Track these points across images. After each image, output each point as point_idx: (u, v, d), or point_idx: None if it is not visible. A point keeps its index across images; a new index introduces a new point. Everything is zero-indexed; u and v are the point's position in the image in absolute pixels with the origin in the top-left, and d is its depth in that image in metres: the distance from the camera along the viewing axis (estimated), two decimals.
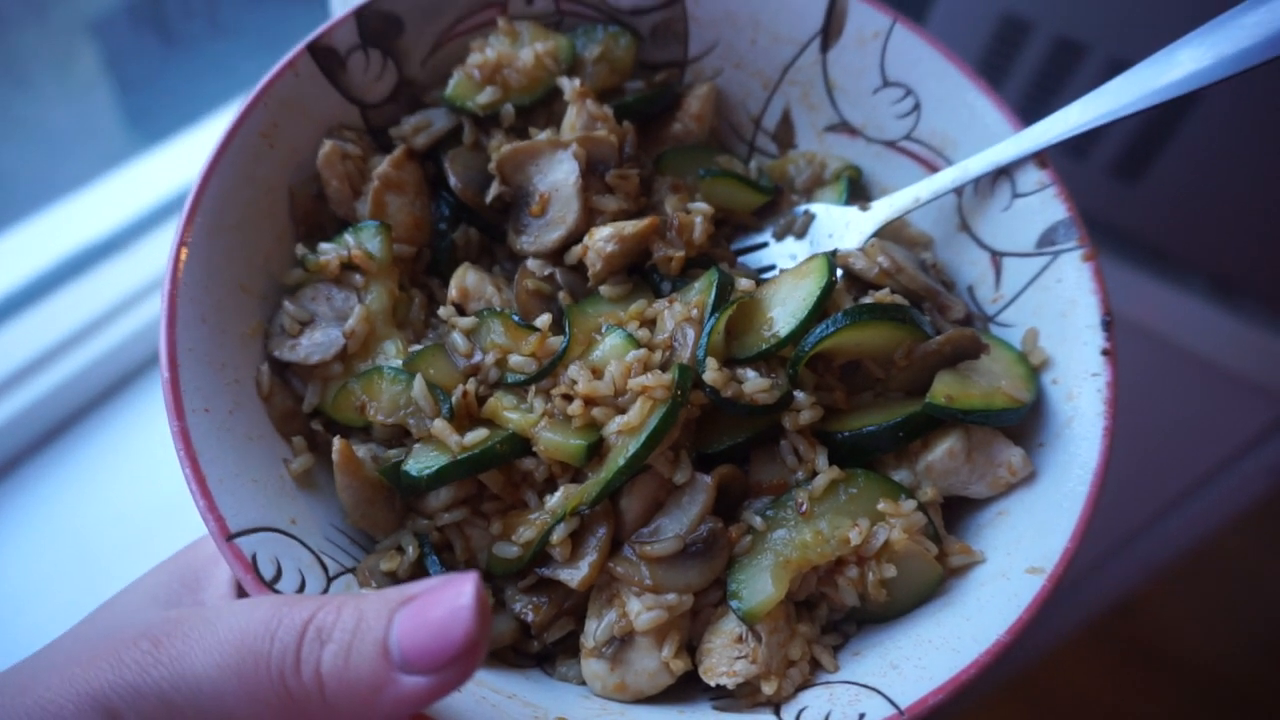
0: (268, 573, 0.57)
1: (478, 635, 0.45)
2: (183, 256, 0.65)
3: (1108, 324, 0.68)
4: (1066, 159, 1.18)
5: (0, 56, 1.54)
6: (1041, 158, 0.73)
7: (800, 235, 0.81)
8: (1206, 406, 1.32)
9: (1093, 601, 1.69)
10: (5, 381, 1.28)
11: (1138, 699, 2.26)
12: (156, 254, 1.43)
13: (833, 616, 0.67)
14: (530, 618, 0.65)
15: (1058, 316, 0.71)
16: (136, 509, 1.19)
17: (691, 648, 0.65)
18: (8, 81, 1.56)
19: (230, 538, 0.57)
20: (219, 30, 1.64)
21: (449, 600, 0.46)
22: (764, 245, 0.82)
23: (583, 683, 0.65)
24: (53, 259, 1.40)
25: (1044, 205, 0.73)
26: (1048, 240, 0.72)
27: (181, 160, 1.47)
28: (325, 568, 0.62)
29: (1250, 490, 1.36)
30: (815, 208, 0.81)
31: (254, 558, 0.57)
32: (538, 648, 0.67)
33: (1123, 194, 1.19)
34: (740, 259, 0.82)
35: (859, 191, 0.84)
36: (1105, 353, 0.67)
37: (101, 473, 1.27)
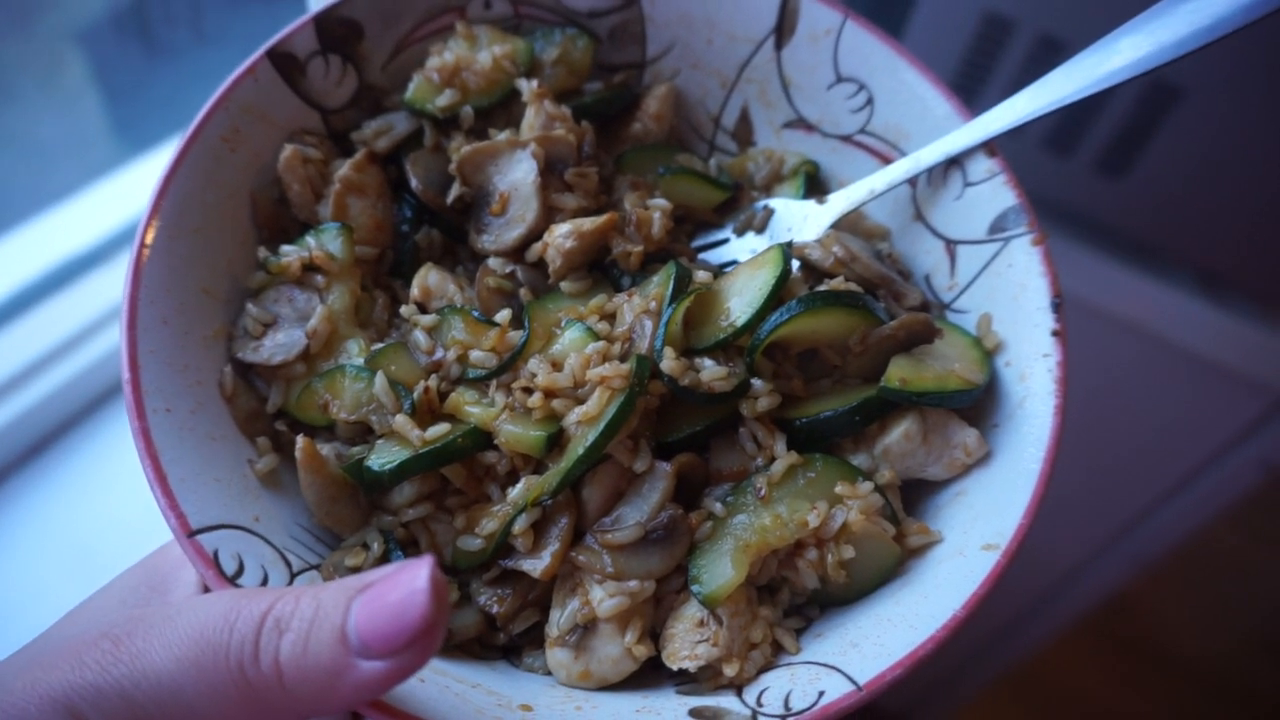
0: (229, 568, 0.58)
1: (434, 617, 0.45)
2: (143, 259, 0.65)
3: (1057, 305, 0.69)
4: (1051, 156, 1.19)
5: None
6: (990, 146, 0.75)
7: (760, 230, 0.82)
8: (1196, 401, 1.33)
9: (1086, 597, 1.70)
10: (3, 386, 1.28)
11: (1132, 695, 2.27)
12: None
13: (795, 600, 0.67)
14: (495, 610, 0.65)
15: (1010, 300, 0.72)
16: (132, 514, 1.19)
17: (655, 634, 0.66)
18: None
19: (192, 534, 0.58)
20: (203, 38, 1.65)
21: (404, 584, 0.46)
22: (725, 241, 0.84)
23: (549, 673, 0.65)
24: (44, 266, 1.40)
25: (994, 193, 0.74)
26: (998, 227, 0.74)
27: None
28: (289, 564, 0.62)
29: (1241, 483, 1.37)
30: (774, 203, 0.82)
31: (215, 554, 0.58)
32: (504, 640, 0.67)
33: (1109, 190, 1.20)
34: (701, 255, 0.83)
35: (817, 185, 0.85)
36: (1055, 334, 0.68)
37: (97, 478, 1.26)
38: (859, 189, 0.79)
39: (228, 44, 1.63)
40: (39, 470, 1.28)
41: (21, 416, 1.26)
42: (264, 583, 0.59)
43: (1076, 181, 1.22)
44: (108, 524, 1.22)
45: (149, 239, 0.66)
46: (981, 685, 2.01)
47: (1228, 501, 1.40)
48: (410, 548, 0.68)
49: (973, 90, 1.19)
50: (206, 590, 0.63)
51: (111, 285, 1.39)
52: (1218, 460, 1.38)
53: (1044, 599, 1.74)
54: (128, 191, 1.49)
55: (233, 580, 0.57)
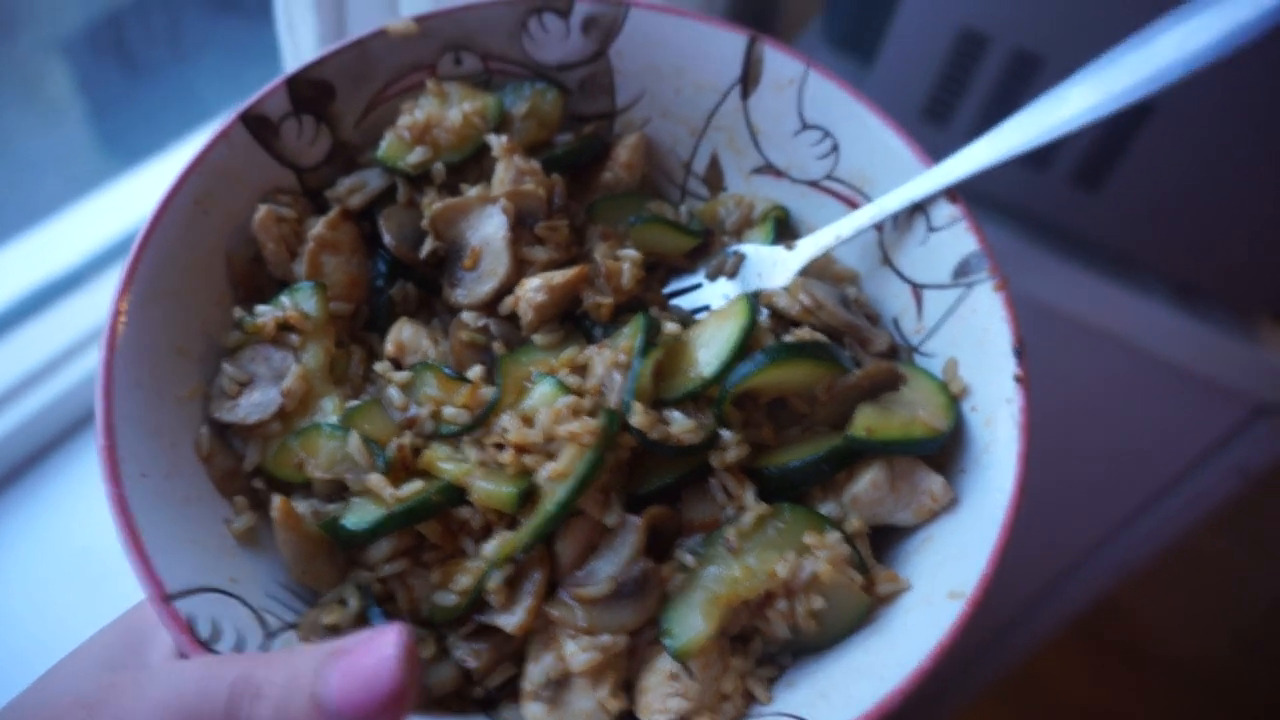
0: (204, 633, 0.58)
1: (404, 682, 0.46)
2: (119, 324, 0.66)
3: (1019, 352, 0.70)
4: (1028, 169, 1.21)
5: None
6: (951, 193, 0.76)
7: (732, 275, 0.84)
8: (1175, 410, 1.35)
9: (1074, 602, 1.71)
10: (3, 394, 1.29)
11: (1120, 698, 2.28)
12: None
13: (768, 649, 0.68)
14: (471, 664, 0.66)
15: (975, 345, 0.73)
16: None
17: (630, 686, 0.66)
18: None
19: (167, 599, 0.58)
20: (181, 54, 1.66)
21: (376, 651, 0.47)
22: (697, 286, 0.85)
23: None
24: (33, 280, 1.42)
25: (955, 238, 0.75)
26: (962, 271, 0.75)
27: (152, 186, 1.49)
28: (265, 624, 0.63)
29: (1221, 490, 1.39)
30: (745, 248, 0.84)
31: (191, 620, 0.58)
32: (480, 694, 0.68)
33: (1085, 202, 1.22)
34: (674, 301, 0.84)
35: (787, 230, 0.86)
36: (1018, 379, 0.69)
37: (97, 487, 1.27)
38: (826, 234, 0.80)
39: (205, 59, 1.65)
40: (38, 480, 1.28)
41: (19, 427, 1.27)
42: (239, 646, 0.59)
43: (1054, 194, 1.23)
44: (108, 533, 1.23)
45: (124, 304, 0.67)
46: (973, 691, 2.01)
47: (1209, 507, 1.42)
48: (387, 603, 0.68)
49: (950, 105, 1.20)
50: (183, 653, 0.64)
51: (102, 299, 1.40)
52: (1198, 467, 1.40)
53: (1033, 604, 1.75)
54: (112, 206, 1.50)
55: (208, 645, 0.58)
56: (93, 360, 1.34)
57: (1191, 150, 1.12)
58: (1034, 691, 2.21)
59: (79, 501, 1.27)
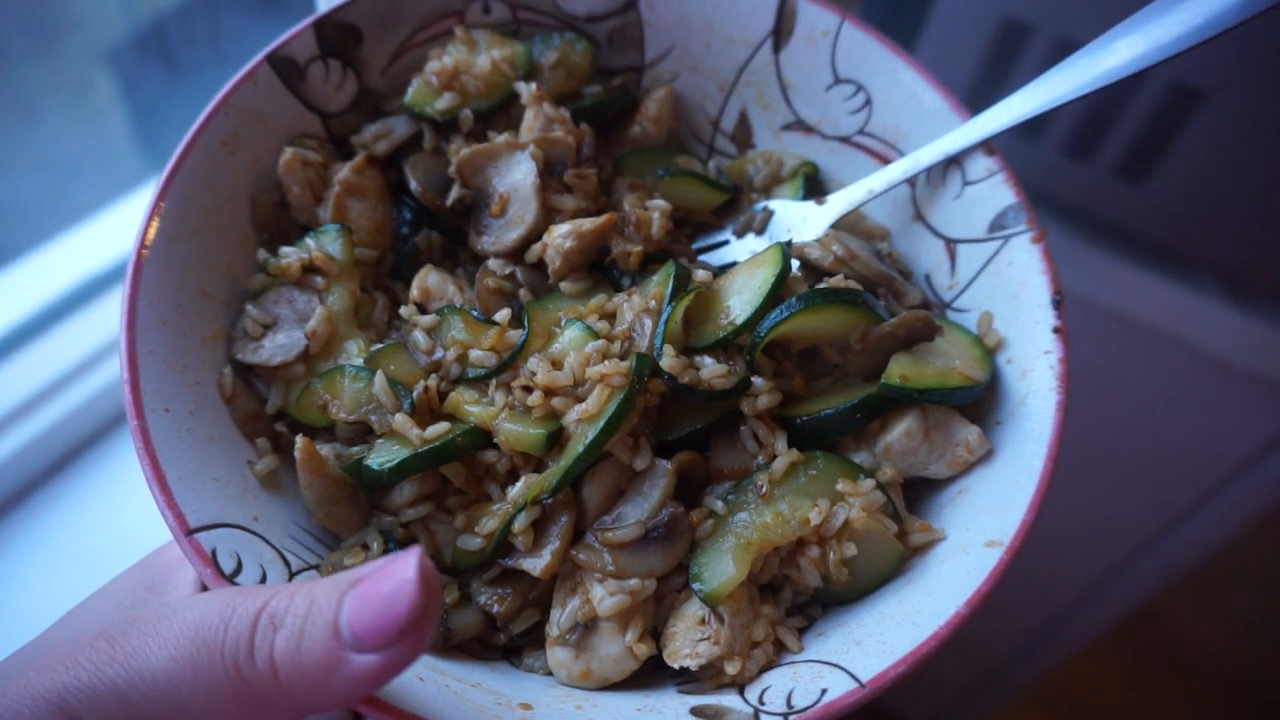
0: (228, 567, 0.57)
1: (424, 607, 0.45)
2: (142, 260, 0.65)
3: (1058, 302, 0.69)
4: (1071, 161, 1.18)
5: (13, 89, 1.56)
6: (989, 145, 0.75)
7: (760, 232, 0.82)
8: (1223, 408, 1.31)
9: (1115, 607, 1.67)
10: (19, 408, 1.28)
11: (1160, 704, 2.23)
12: None
13: (798, 599, 0.67)
14: (496, 609, 0.65)
15: (1010, 298, 0.72)
16: (146, 534, 1.18)
17: (656, 633, 0.65)
18: (21, 113, 1.57)
19: (190, 533, 0.57)
20: (221, 57, 1.66)
21: (394, 576, 0.46)
22: (725, 243, 0.84)
23: (549, 673, 0.65)
24: (62, 286, 1.41)
25: (993, 191, 0.74)
26: (998, 225, 0.74)
27: None
28: (287, 563, 0.62)
29: (1271, 493, 1.35)
30: (774, 204, 0.82)
31: (214, 552, 0.57)
32: (504, 640, 0.67)
33: (1130, 194, 1.19)
34: (702, 257, 0.83)
35: (816, 187, 0.85)
36: (1056, 330, 0.68)
37: (114, 497, 1.26)
38: (858, 189, 0.79)
39: (243, 61, 1.65)
40: (55, 491, 1.28)
41: (44, 434, 1.27)
42: (262, 581, 0.58)
43: (1097, 187, 1.20)
44: (121, 543, 1.22)
45: (148, 240, 0.66)
46: (1009, 696, 1.98)
47: (1259, 510, 1.38)
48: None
49: (990, 97, 1.18)
50: (204, 590, 0.63)
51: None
52: (1248, 468, 1.36)
53: (1072, 608, 1.71)
54: (122, 222, 1.50)
55: (231, 579, 0.57)
56: (100, 379, 1.33)
57: (1242, 138, 1.08)
58: (1072, 696, 2.16)
59: (92, 514, 1.26)
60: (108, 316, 1.38)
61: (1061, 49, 1.10)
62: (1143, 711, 2.22)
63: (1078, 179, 1.20)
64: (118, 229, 1.48)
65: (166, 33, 1.63)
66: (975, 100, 1.18)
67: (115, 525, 1.24)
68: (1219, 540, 1.44)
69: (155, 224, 0.67)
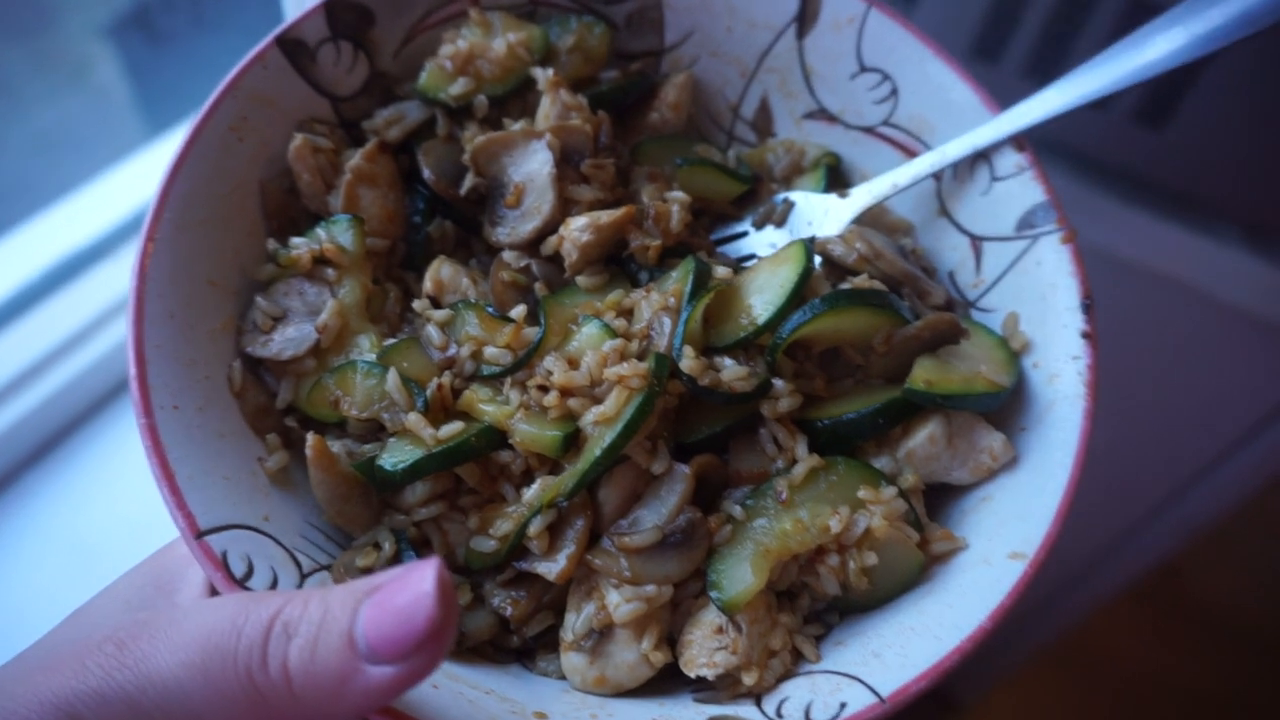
0: (239, 570, 0.56)
1: (442, 620, 0.44)
2: (149, 252, 0.64)
3: (1088, 307, 0.67)
4: (1086, 108, 1.13)
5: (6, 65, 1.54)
6: (1019, 141, 0.73)
7: (780, 224, 0.80)
8: (1247, 360, 1.27)
9: (1135, 564, 1.64)
10: (7, 386, 1.27)
11: (1183, 660, 2.20)
12: None
13: (815, 606, 0.66)
14: (509, 612, 0.64)
15: (1038, 300, 0.70)
16: (137, 514, 1.17)
17: (672, 640, 0.64)
18: (6, 90, 1.55)
19: (200, 535, 0.56)
20: (203, 25, 1.63)
21: (412, 587, 0.45)
22: (744, 234, 0.82)
23: (563, 678, 0.64)
24: (50, 261, 1.39)
25: (1022, 188, 0.72)
26: (1027, 223, 0.72)
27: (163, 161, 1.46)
28: (299, 564, 0.61)
29: None
30: (794, 195, 0.81)
31: (224, 555, 0.56)
32: (517, 643, 0.66)
33: (1148, 141, 1.14)
34: (720, 248, 0.81)
35: (838, 178, 0.83)
36: (1085, 335, 0.66)
37: (104, 478, 1.25)
38: (882, 183, 0.77)
39: (228, 30, 1.62)
40: (44, 472, 1.26)
41: (27, 416, 1.25)
42: (274, 585, 0.57)
43: (1115, 133, 1.15)
44: (112, 525, 1.21)
45: (155, 232, 0.64)
46: (1027, 653, 1.97)
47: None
48: (423, 547, 0.66)
49: (1000, 42, 1.12)
50: (214, 591, 0.62)
51: (117, 278, 1.37)
52: (1270, 421, 1.31)
53: (1093, 563, 1.68)
54: (128, 183, 1.47)
55: (241, 583, 0.56)
56: (88, 355, 1.30)
57: (1262, 82, 1.04)
58: (1092, 654, 2.15)
59: (82, 495, 1.25)
60: (93, 292, 1.36)
61: (1061, 12, 1.06)
62: (1162, 669, 2.21)
63: (1094, 125, 1.15)
64: (95, 205, 1.44)
65: (150, 4, 1.60)
66: (985, 48, 1.11)
67: (106, 509, 1.23)
68: (1241, 495, 1.40)
69: (163, 213, 0.65)
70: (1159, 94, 1.10)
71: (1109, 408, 0.64)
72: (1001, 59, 1.13)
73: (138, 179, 1.45)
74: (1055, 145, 1.19)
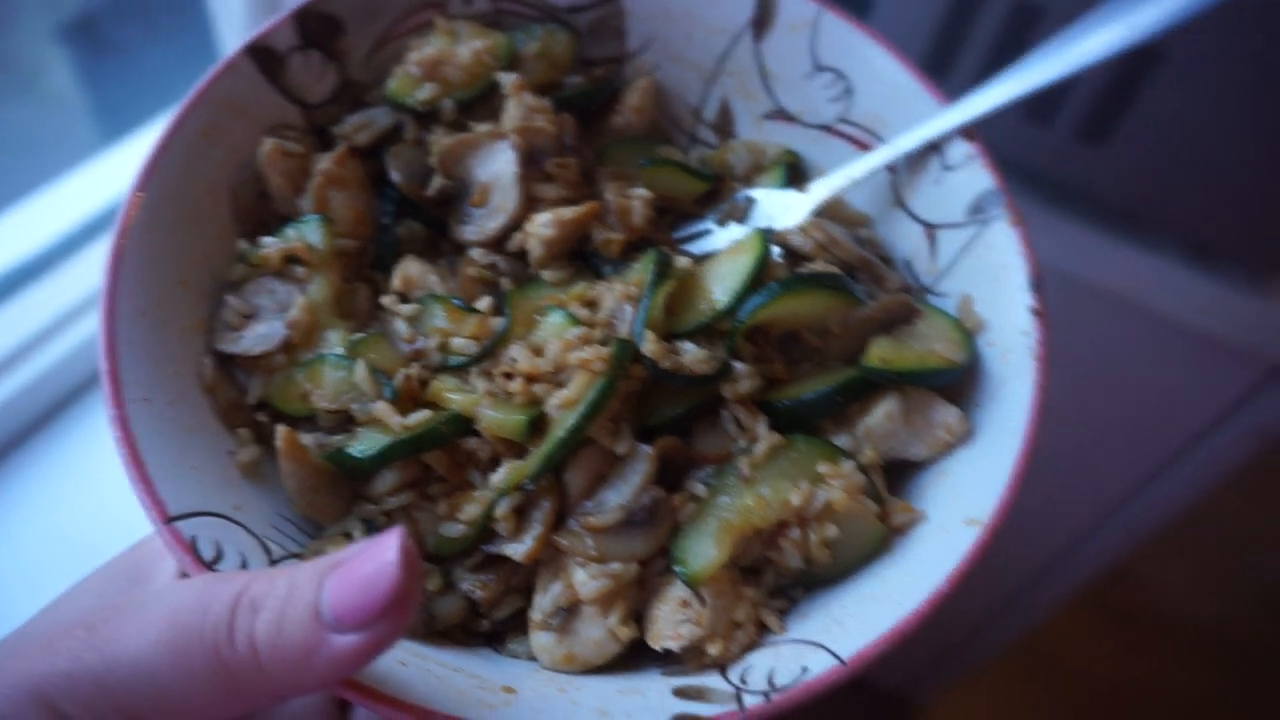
0: (208, 555, 0.57)
1: (405, 586, 0.45)
2: (121, 251, 0.65)
3: (1036, 285, 0.69)
4: (1030, 124, 1.16)
5: None
6: (968, 131, 0.75)
7: (742, 220, 0.82)
8: (1188, 372, 1.31)
9: (1085, 569, 1.68)
10: None
11: (1135, 664, 2.25)
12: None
13: (780, 581, 0.67)
14: (478, 595, 0.65)
15: (990, 281, 0.72)
16: (118, 503, 1.17)
17: (639, 618, 0.65)
18: None
19: (169, 520, 0.57)
20: (157, 35, 1.65)
21: (375, 556, 0.46)
22: (708, 232, 0.84)
23: (533, 658, 0.65)
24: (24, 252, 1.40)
25: (971, 176, 0.74)
26: (977, 209, 0.74)
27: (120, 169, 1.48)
28: (269, 551, 0.62)
29: (1237, 453, 1.35)
30: (755, 193, 0.83)
31: (194, 540, 0.57)
32: (487, 626, 0.67)
33: (1090, 158, 1.18)
34: (684, 246, 0.83)
35: (798, 175, 0.85)
36: (1035, 312, 0.68)
37: (81, 468, 1.25)
38: (839, 177, 0.79)
39: (180, 40, 1.63)
40: (21, 460, 1.27)
41: (14, 397, 1.26)
42: (243, 568, 0.58)
43: (1057, 151, 1.18)
44: (93, 513, 1.21)
45: (127, 232, 0.66)
46: (981, 660, 1.99)
47: (1225, 471, 1.38)
48: None
49: (950, 58, 1.16)
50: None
51: (71, 285, 1.38)
52: (1213, 430, 1.36)
53: (1043, 572, 1.72)
54: (83, 189, 1.49)
55: (211, 566, 0.57)
56: (65, 344, 1.32)
57: (1202, 101, 1.08)
58: (1048, 657, 2.18)
59: (62, 484, 1.26)
60: (48, 299, 1.37)
61: (1020, 10, 1.09)
62: (1115, 671, 2.25)
63: (1037, 142, 1.18)
64: (52, 211, 1.45)
65: (95, 10, 1.61)
66: (935, 66, 1.16)
67: (82, 496, 1.23)
68: (1188, 501, 1.45)
69: (134, 214, 0.67)
70: (1101, 110, 1.14)
71: (1054, 418, 0.65)
72: (952, 76, 1.17)
73: (92, 185, 1.47)
74: (1000, 162, 1.23)
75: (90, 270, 1.39)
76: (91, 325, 1.31)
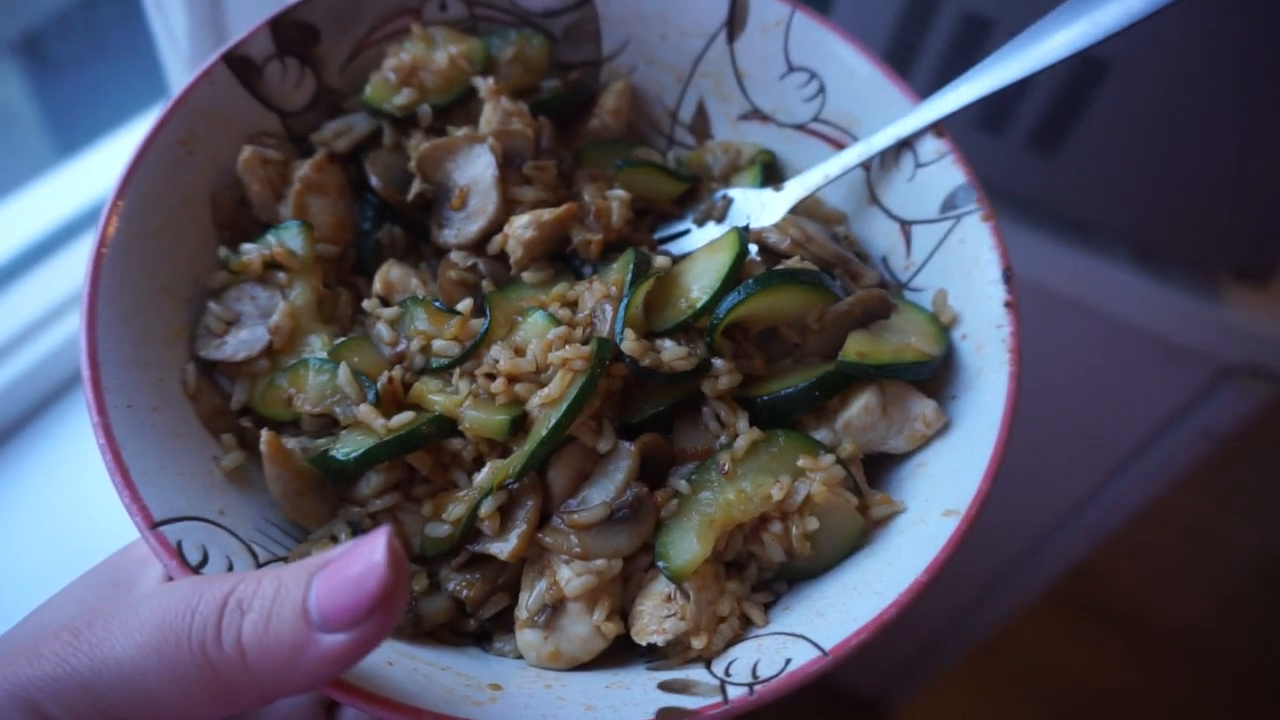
0: (193, 559, 0.57)
1: (392, 585, 0.46)
2: (102, 259, 0.66)
3: (1008, 278, 0.70)
4: (983, 135, 1.19)
5: None
6: (939, 128, 0.77)
7: (720, 220, 0.83)
8: (1139, 374, 1.35)
9: (1048, 567, 1.72)
10: None
11: (1101, 661, 2.32)
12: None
13: (763, 575, 0.68)
14: (465, 595, 0.65)
15: (964, 276, 0.73)
16: (104, 503, 1.16)
17: (625, 614, 0.66)
18: None
19: (154, 525, 0.58)
20: (101, 51, 1.63)
21: (363, 556, 0.47)
22: (686, 232, 0.85)
23: (520, 657, 0.65)
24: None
25: (943, 172, 0.76)
26: (950, 205, 0.75)
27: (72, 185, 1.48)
28: (255, 555, 0.62)
29: (1189, 453, 1.39)
30: (732, 192, 0.84)
31: (179, 545, 0.57)
32: (474, 626, 0.67)
33: (1041, 167, 1.21)
34: (663, 246, 0.84)
35: (774, 174, 0.86)
36: (1007, 304, 0.69)
37: (67, 469, 1.25)
38: (814, 175, 0.80)
39: (129, 56, 1.61)
40: (18, 452, 1.26)
41: (6, 388, 1.25)
42: (229, 572, 0.58)
43: (1009, 159, 1.22)
44: (79, 513, 1.21)
45: (107, 240, 0.66)
46: (951, 660, 2.02)
47: (1177, 470, 1.42)
48: None
49: (904, 67, 1.19)
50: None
51: (30, 300, 1.37)
52: (1164, 431, 1.40)
53: (1007, 572, 1.76)
54: (37, 204, 1.48)
55: (196, 570, 0.57)
56: (46, 347, 1.32)
57: (1149, 109, 1.11)
58: (1015, 656, 2.24)
59: (48, 483, 1.25)
60: (24, 301, 1.37)
61: (968, 23, 1.11)
62: (1085, 669, 2.32)
63: (991, 151, 1.22)
64: (12, 222, 1.46)
65: (38, 25, 1.60)
66: (894, 66, 1.19)
67: (68, 496, 1.23)
68: (1142, 501, 1.49)
69: (114, 222, 0.67)
70: (1051, 120, 1.17)
71: (1018, 420, 0.67)
72: (919, 56, 1.19)
73: (47, 200, 1.46)
74: None
75: (49, 284, 1.39)
76: (53, 339, 1.31)
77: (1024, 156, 1.21)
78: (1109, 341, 1.33)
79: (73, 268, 1.41)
